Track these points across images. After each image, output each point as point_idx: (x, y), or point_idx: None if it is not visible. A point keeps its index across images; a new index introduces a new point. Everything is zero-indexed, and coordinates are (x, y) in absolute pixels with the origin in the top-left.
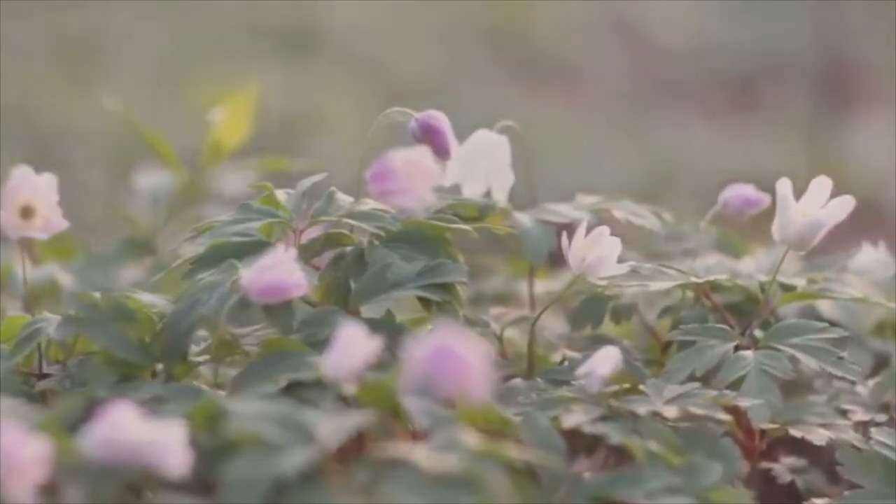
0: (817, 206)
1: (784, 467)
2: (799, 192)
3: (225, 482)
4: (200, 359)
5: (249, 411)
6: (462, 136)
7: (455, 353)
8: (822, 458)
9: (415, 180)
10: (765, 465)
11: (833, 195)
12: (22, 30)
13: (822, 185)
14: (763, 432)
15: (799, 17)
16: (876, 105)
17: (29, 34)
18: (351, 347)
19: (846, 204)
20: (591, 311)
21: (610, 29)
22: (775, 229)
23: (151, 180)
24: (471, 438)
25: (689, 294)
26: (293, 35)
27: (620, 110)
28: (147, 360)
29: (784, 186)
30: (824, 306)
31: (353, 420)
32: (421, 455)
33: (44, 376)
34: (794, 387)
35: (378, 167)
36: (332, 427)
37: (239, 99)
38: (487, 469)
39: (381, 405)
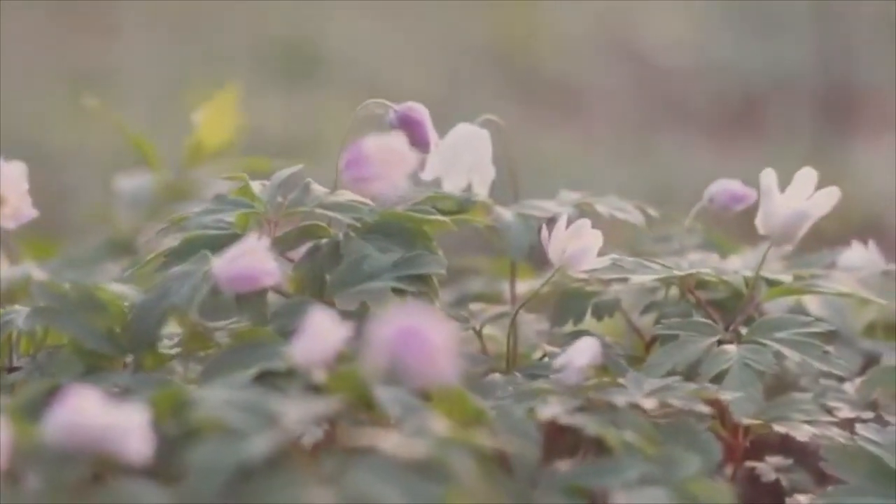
0: (802, 198)
1: (769, 466)
2: None
3: (189, 468)
4: (173, 352)
5: (215, 398)
6: None
7: (420, 334)
8: (808, 458)
9: (389, 167)
10: (749, 464)
11: (835, 216)
12: (30, 57)
13: (806, 176)
14: (747, 429)
15: (802, 38)
16: (879, 127)
17: (36, 61)
18: (320, 334)
19: (831, 196)
20: (573, 308)
21: (612, 49)
22: (759, 221)
23: (133, 182)
24: (440, 426)
25: (675, 292)
26: (295, 59)
27: (623, 130)
28: (117, 351)
29: (768, 178)
30: (813, 305)
31: (319, 407)
32: (390, 442)
33: (14, 370)
34: (781, 386)
35: (352, 153)
36: (297, 413)
37: (220, 101)
38: (456, 456)
39: (351, 393)
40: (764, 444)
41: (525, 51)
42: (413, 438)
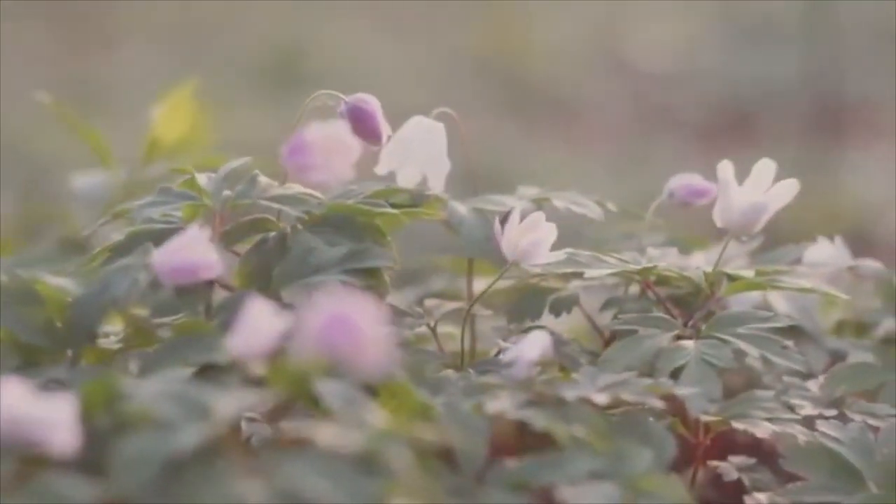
0: (761, 190)
1: (731, 465)
2: (793, 227)
3: (117, 461)
4: (116, 347)
5: (147, 391)
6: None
7: (350, 322)
8: (772, 458)
9: (332, 156)
10: (712, 463)
11: (825, 225)
12: (26, 71)
13: (765, 168)
14: (707, 427)
15: (794, 49)
16: (870, 137)
17: (32, 76)
18: (258, 327)
19: (790, 188)
20: (530, 305)
21: (605, 59)
22: (717, 214)
23: (89, 181)
24: (379, 418)
25: (636, 289)
26: (289, 70)
27: (615, 140)
28: (56, 344)
29: (725, 170)
30: (779, 303)
31: (252, 399)
32: (326, 435)
33: None
34: (746, 385)
35: (294, 142)
36: (229, 405)
37: (177, 96)
38: (393, 449)
39: (291, 386)
40: (734, 445)
41: (518, 60)
42: (350, 431)
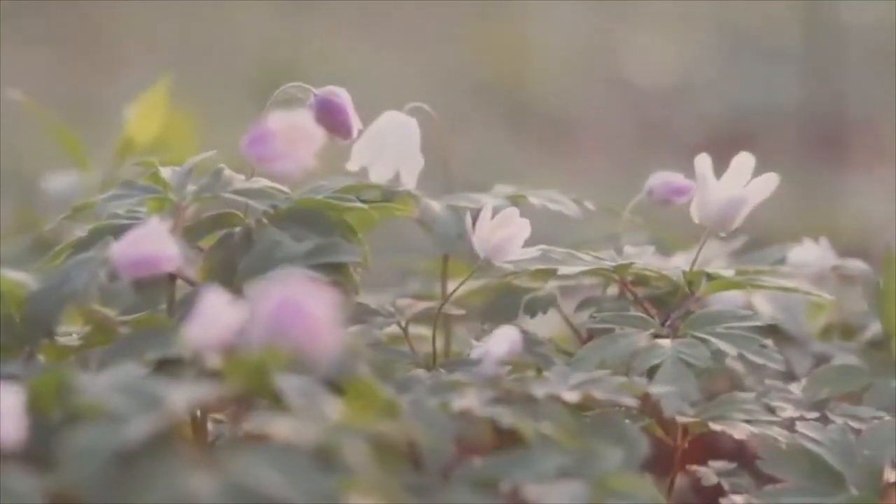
0: (739, 184)
1: (711, 470)
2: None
3: (65, 453)
4: (76, 345)
5: (99, 383)
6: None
7: (299, 306)
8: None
9: (295, 145)
10: (691, 467)
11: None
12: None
13: (743, 162)
14: (686, 430)
15: (794, 69)
16: (870, 157)
17: (36, 96)
18: (214, 317)
19: (769, 182)
20: (505, 304)
21: (602, 76)
22: (694, 209)
23: (60, 181)
24: (336, 412)
25: (615, 291)
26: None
27: (613, 159)
28: (14, 340)
29: (702, 163)
30: (764, 306)
31: (205, 390)
32: (282, 428)
33: None
34: (729, 390)
35: (255, 131)
36: (180, 396)
37: (151, 96)
38: (349, 443)
39: (249, 379)
40: (718, 450)
41: (515, 77)
42: (307, 425)
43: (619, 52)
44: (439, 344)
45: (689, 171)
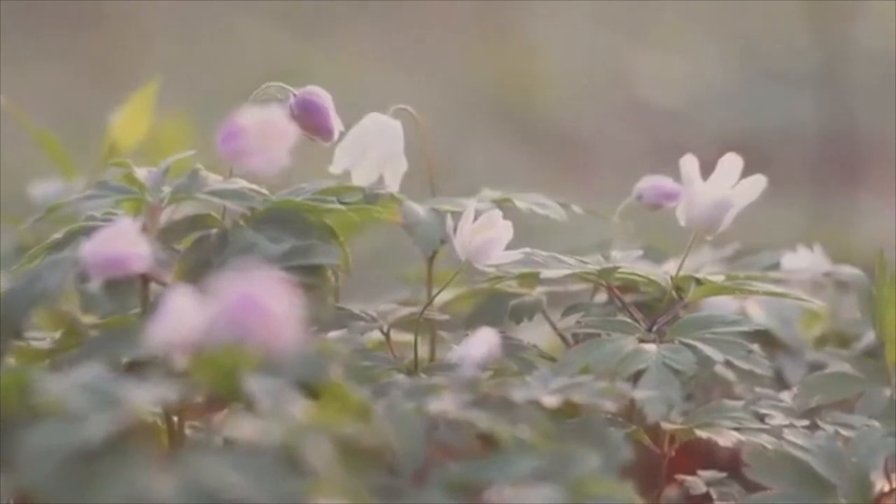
0: (727, 185)
1: (700, 479)
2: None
3: (22, 453)
4: (48, 348)
5: (60, 383)
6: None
7: (259, 301)
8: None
9: (268, 141)
10: (679, 477)
11: (835, 265)
12: (36, 111)
13: (731, 163)
14: (672, 438)
15: (808, 88)
16: (884, 180)
17: (43, 113)
18: (180, 316)
19: (757, 183)
20: (490, 310)
21: (615, 95)
22: (681, 212)
23: (46, 187)
24: (302, 413)
25: (604, 297)
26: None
27: (624, 178)
28: None
29: (689, 164)
30: (758, 315)
31: (167, 390)
32: (246, 429)
33: None
34: (721, 397)
35: (228, 126)
36: (141, 395)
37: (137, 99)
38: (312, 443)
39: (215, 379)
40: (712, 460)
41: (527, 95)
42: (271, 425)
43: (634, 71)
44: (425, 350)
45: None
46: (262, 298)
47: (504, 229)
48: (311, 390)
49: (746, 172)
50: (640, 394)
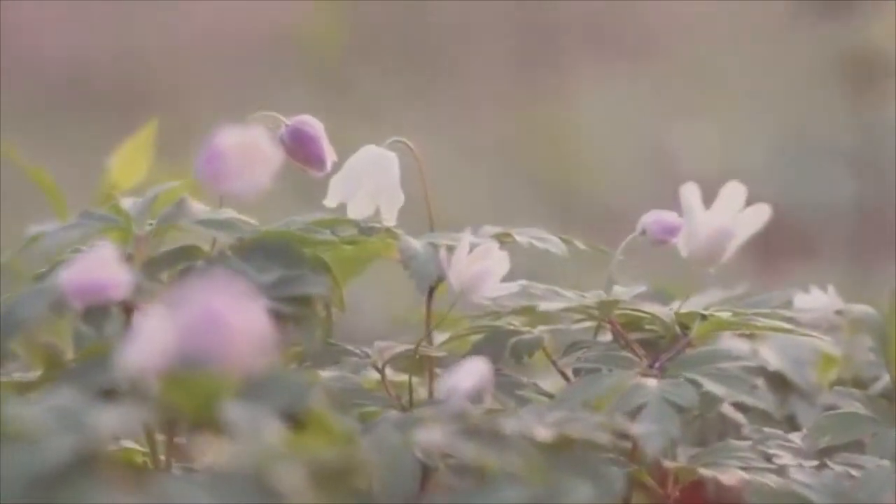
0: (729, 214)
1: None
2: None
3: None
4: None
5: (29, 409)
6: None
7: (221, 317)
8: None
9: (249, 163)
10: None
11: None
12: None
13: (734, 191)
14: (676, 478)
15: (847, 167)
16: None
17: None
18: (151, 339)
19: (761, 213)
20: (490, 347)
21: (655, 171)
22: (682, 242)
23: (44, 227)
24: (277, 439)
25: (609, 337)
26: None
27: (667, 252)
28: None
29: (689, 193)
30: (771, 358)
31: (136, 413)
32: (217, 452)
33: None
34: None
35: (208, 148)
36: (107, 419)
37: (136, 141)
38: (284, 469)
39: (190, 402)
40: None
41: (564, 169)
42: (244, 450)
43: (673, 144)
44: (423, 388)
45: (744, 266)
46: (224, 315)
47: (500, 261)
48: (296, 420)
49: (785, 245)
50: (639, 428)
